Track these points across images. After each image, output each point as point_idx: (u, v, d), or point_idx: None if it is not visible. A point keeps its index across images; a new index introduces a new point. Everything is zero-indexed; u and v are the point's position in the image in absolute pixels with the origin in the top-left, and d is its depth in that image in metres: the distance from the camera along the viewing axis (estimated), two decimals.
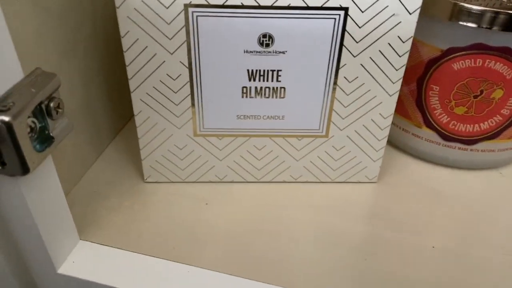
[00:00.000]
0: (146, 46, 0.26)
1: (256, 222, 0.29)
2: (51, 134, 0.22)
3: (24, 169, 0.20)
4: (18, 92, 0.20)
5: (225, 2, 0.24)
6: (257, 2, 0.24)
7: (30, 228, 0.23)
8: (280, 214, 0.30)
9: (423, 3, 0.28)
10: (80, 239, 0.28)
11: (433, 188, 0.32)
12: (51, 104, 0.22)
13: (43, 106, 0.21)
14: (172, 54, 0.26)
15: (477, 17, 0.27)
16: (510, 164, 0.35)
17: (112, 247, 0.27)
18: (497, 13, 0.27)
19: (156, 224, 0.29)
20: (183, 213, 0.30)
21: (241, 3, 0.24)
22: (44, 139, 0.22)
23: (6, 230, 0.24)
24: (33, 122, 0.21)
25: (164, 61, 0.26)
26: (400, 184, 0.33)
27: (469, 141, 0.32)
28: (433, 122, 0.32)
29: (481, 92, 0.30)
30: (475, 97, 0.30)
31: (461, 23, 0.28)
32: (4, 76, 0.19)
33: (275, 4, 0.24)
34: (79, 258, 0.26)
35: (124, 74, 0.35)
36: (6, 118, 0.19)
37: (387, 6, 0.24)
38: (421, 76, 0.31)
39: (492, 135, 0.32)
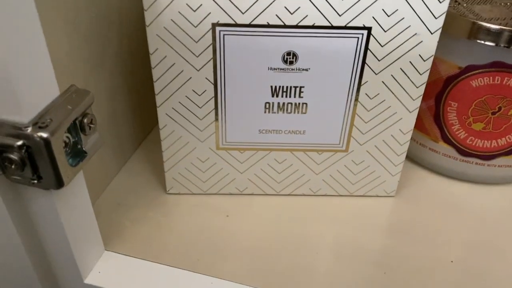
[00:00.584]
0: (174, 63, 0.26)
1: (276, 234, 0.30)
2: (83, 149, 0.23)
3: (59, 183, 0.21)
4: (55, 109, 0.21)
5: (251, 21, 0.25)
6: (283, 22, 0.25)
7: (60, 240, 0.24)
8: (300, 227, 0.30)
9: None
10: (105, 249, 0.28)
11: (450, 202, 0.33)
12: (85, 120, 0.22)
13: (77, 122, 0.22)
14: (198, 70, 0.27)
15: (495, 36, 0.28)
16: None
17: (136, 258, 0.28)
18: None
19: (179, 235, 0.30)
20: (205, 224, 0.30)
21: (267, 22, 0.25)
22: (76, 154, 0.23)
23: (37, 240, 0.24)
24: (68, 137, 0.22)
25: (191, 78, 0.27)
26: (418, 198, 0.33)
27: (486, 156, 0.32)
28: (450, 138, 0.32)
29: (499, 109, 0.30)
30: (493, 113, 0.30)
31: (479, 41, 0.28)
32: (42, 94, 0.20)
33: (300, 24, 0.25)
34: (104, 269, 0.27)
35: (147, 87, 0.36)
36: (44, 135, 0.20)
37: (409, 26, 0.25)
38: (439, 92, 0.31)
39: (510, 151, 0.32)
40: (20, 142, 0.19)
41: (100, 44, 0.29)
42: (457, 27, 0.29)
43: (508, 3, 0.31)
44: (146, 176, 0.34)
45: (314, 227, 0.30)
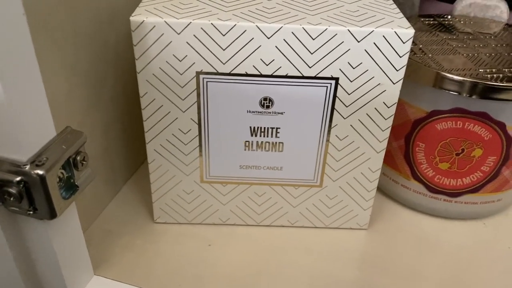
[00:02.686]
0: (162, 105, 0.29)
1: (255, 263, 0.32)
2: (76, 183, 0.25)
3: (52, 214, 0.24)
4: (51, 149, 0.23)
5: (231, 70, 0.28)
6: (259, 71, 0.28)
7: (52, 265, 0.26)
8: (278, 257, 0.33)
9: (411, 69, 0.32)
10: (95, 274, 0.31)
11: (420, 236, 0.35)
12: (78, 158, 0.25)
13: (71, 159, 0.25)
14: (184, 112, 0.29)
15: (457, 85, 0.31)
16: (493, 215, 0.37)
17: (123, 282, 0.30)
18: (476, 83, 0.30)
19: (164, 262, 0.32)
20: (189, 252, 0.33)
21: (246, 72, 0.28)
22: (69, 187, 0.25)
23: (31, 264, 0.27)
24: (62, 173, 0.24)
25: (177, 118, 0.30)
26: (390, 231, 0.35)
27: (453, 193, 0.35)
28: (420, 175, 0.35)
29: (462, 150, 0.33)
30: (457, 154, 0.33)
31: (443, 89, 0.31)
32: (40, 135, 0.23)
33: (274, 74, 0.28)
34: None
35: (139, 125, 0.38)
36: (40, 172, 0.22)
37: (373, 77, 0.28)
38: (408, 133, 0.34)
39: (474, 189, 0.34)
40: (18, 178, 0.22)
41: (96, 84, 0.32)
42: (423, 76, 0.32)
43: (470, 54, 0.33)
44: (136, 206, 0.37)
45: (292, 258, 0.33)
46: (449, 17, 0.41)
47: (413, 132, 0.34)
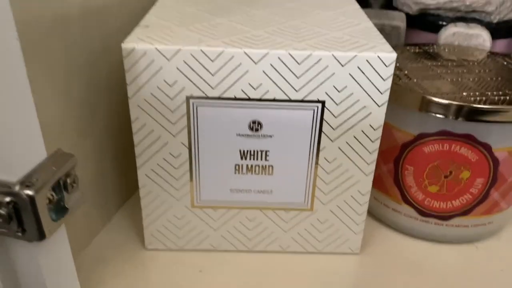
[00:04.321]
0: (153, 130, 0.30)
1: None
2: (66, 206, 0.26)
3: (41, 236, 0.24)
4: (41, 170, 0.24)
5: (221, 95, 0.28)
6: (248, 96, 0.28)
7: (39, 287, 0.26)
8: (270, 283, 0.32)
9: (397, 94, 0.33)
10: None
11: (412, 260, 0.35)
12: (68, 180, 0.25)
13: (61, 181, 0.25)
14: (174, 136, 0.30)
15: (443, 108, 0.31)
16: (485, 238, 0.37)
17: None
18: (461, 106, 0.31)
19: None
20: (179, 278, 0.32)
21: (234, 96, 0.29)
22: (59, 209, 0.25)
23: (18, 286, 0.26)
24: (52, 195, 0.25)
25: (168, 142, 0.30)
26: (381, 256, 0.35)
27: (444, 217, 0.35)
28: (409, 199, 0.35)
29: (451, 173, 0.33)
30: (446, 177, 0.33)
31: (429, 113, 0.32)
32: (30, 156, 0.23)
33: (263, 97, 0.29)
34: None
35: (133, 151, 0.39)
36: (30, 193, 0.22)
37: (358, 100, 0.29)
38: (397, 157, 0.34)
39: (464, 212, 0.34)
40: (8, 199, 0.22)
41: (89, 112, 0.33)
42: (409, 100, 0.33)
43: (454, 79, 0.34)
44: (128, 232, 0.37)
45: (284, 284, 0.32)
46: (434, 46, 0.42)
47: (401, 155, 0.34)
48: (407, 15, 0.49)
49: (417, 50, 0.41)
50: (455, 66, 0.37)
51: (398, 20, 0.46)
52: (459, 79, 0.34)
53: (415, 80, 0.34)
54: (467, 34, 0.42)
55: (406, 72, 0.35)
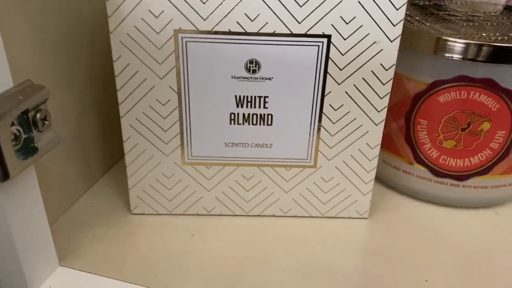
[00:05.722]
0: (137, 71, 0.27)
1: (242, 255, 0.28)
2: (35, 145, 0.22)
3: (5, 175, 0.20)
4: (6, 98, 0.21)
5: (213, 28, 0.25)
6: (244, 29, 0.25)
7: (6, 241, 0.22)
8: (269, 247, 0.29)
9: (408, 38, 0.30)
10: (60, 265, 0.27)
11: (426, 226, 0.31)
12: (38, 115, 0.22)
13: (29, 116, 0.22)
14: (161, 79, 0.27)
15: (461, 49, 0.28)
16: (505, 202, 0.34)
17: (91, 273, 0.26)
18: (480, 45, 0.28)
19: (140, 253, 0.28)
20: (167, 243, 0.29)
21: (229, 29, 0.25)
22: (28, 151, 0.22)
23: None
24: (18, 130, 0.21)
25: (154, 86, 0.27)
26: (392, 221, 0.32)
27: (460, 176, 0.32)
28: (423, 158, 0.32)
29: (468, 124, 0.30)
30: (463, 130, 0.30)
31: (446, 56, 0.29)
32: None
33: (260, 31, 0.25)
34: (56, 284, 0.26)
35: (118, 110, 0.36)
36: None
37: (369, 34, 0.25)
38: (408, 111, 0.31)
39: (483, 170, 0.31)
40: None
41: (69, 57, 0.29)
42: (422, 43, 0.30)
43: (471, 24, 0.31)
44: (112, 198, 0.33)
45: (285, 247, 0.29)
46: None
47: (413, 108, 0.31)
48: None
49: (427, 3, 0.38)
50: (470, 15, 0.34)
51: None
52: (476, 24, 0.31)
53: (428, 24, 0.31)
54: None
55: (417, 18, 0.32)
